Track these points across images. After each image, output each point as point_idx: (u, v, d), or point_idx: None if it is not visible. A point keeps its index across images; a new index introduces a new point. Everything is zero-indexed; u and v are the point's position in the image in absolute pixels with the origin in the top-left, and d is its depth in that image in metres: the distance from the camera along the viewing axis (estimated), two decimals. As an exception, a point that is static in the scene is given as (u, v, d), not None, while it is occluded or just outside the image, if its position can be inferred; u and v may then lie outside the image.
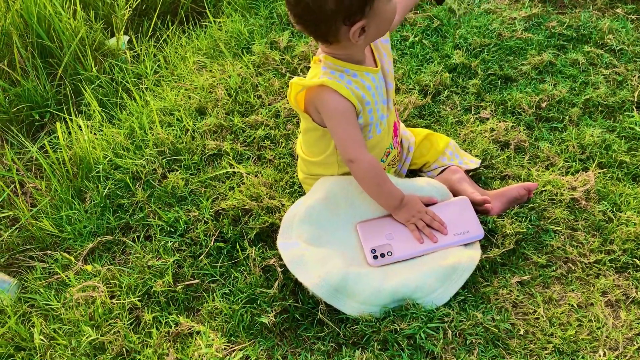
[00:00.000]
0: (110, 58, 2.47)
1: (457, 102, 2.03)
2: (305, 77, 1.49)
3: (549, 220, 1.62)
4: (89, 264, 1.65)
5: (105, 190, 1.83)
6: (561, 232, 1.59)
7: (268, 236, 1.65)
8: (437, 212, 1.54)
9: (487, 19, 2.36)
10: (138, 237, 1.71)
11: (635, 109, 1.97)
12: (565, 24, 2.31)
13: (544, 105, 1.98)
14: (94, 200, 1.82)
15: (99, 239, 1.71)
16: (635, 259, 1.52)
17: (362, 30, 1.35)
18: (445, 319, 1.38)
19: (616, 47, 2.20)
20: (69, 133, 2.07)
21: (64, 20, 2.40)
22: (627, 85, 2.05)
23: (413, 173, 1.80)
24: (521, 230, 1.57)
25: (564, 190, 1.68)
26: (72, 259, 1.67)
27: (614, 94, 2.02)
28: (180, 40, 2.57)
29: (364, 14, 1.32)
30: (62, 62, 2.34)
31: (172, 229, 1.70)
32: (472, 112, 2.00)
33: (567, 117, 1.95)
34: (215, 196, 1.77)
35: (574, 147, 1.83)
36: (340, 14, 1.30)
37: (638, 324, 1.39)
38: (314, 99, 1.45)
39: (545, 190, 1.69)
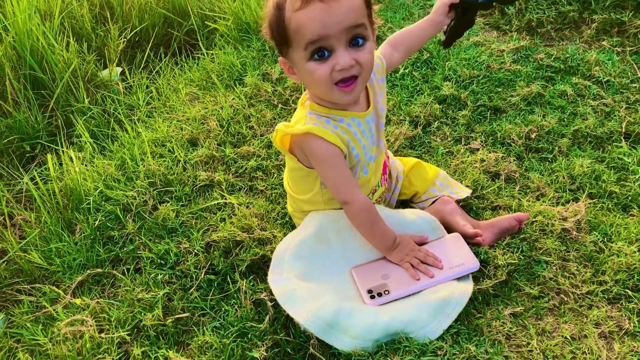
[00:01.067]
0: (103, 89, 2.48)
1: (448, 133, 2.05)
2: (285, 122, 1.49)
3: (541, 251, 1.62)
4: (77, 298, 1.63)
5: (96, 222, 1.82)
6: (553, 262, 1.59)
7: (259, 268, 1.64)
8: (430, 250, 1.54)
9: (475, 51, 2.39)
10: (128, 269, 1.69)
11: (623, 139, 1.99)
12: (553, 56, 2.34)
13: (533, 136, 2.00)
14: (84, 232, 1.81)
15: (88, 271, 1.69)
16: (627, 290, 1.52)
17: (292, 70, 1.41)
18: (439, 352, 1.36)
19: (603, 78, 2.23)
20: (60, 164, 2.06)
21: (57, 52, 2.41)
22: (615, 116, 2.07)
23: (404, 204, 1.80)
24: (513, 261, 1.57)
25: (555, 220, 1.68)
26: (61, 292, 1.65)
27: (602, 124, 2.04)
28: (173, 72, 2.59)
29: (281, 53, 1.40)
30: (54, 94, 2.35)
31: (162, 261, 1.68)
32: (463, 143, 2.01)
33: (556, 148, 1.97)
34: (206, 228, 1.76)
35: (564, 178, 1.85)
36: (271, 40, 1.39)
37: (632, 356, 1.38)
38: (300, 144, 1.45)
39: (536, 221, 1.69)
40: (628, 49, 2.39)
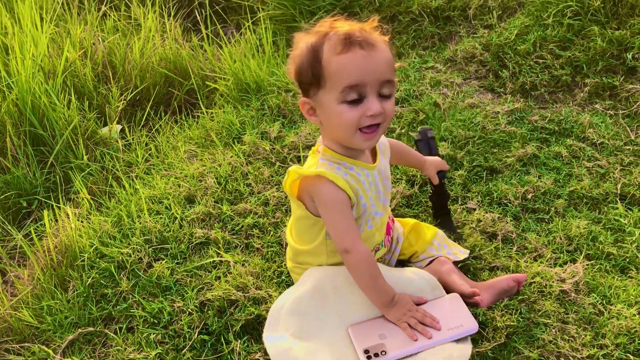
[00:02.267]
0: (102, 146, 2.50)
1: (444, 193, 2.06)
2: (297, 165, 1.52)
3: (539, 312, 1.60)
4: (67, 357, 1.59)
5: (89, 279, 1.79)
6: (552, 325, 1.57)
7: (254, 329, 1.61)
8: (428, 310, 1.52)
9: (471, 112, 2.44)
10: (120, 328, 1.66)
11: (619, 201, 2.00)
12: (547, 118, 2.38)
13: (529, 196, 2.01)
14: (77, 290, 1.79)
15: (79, 330, 1.66)
16: (628, 354, 1.49)
17: (313, 112, 1.45)
18: (437, 418, 1.32)
19: (597, 140, 2.26)
20: (56, 221, 2.06)
21: (58, 110, 2.45)
22: (610, 177, 2.09)
23: (401, 263, 1.79)
24: (512, 323, 1.55)
25: (553, 282, 1.67)
26: (51, 352, 1.61)
27: (597, 186, 2.05)
28: (173, 130, 2.62)
29: (308, 94, 1.43)
30: (53, 150, 2.37)
31: (155, 320, 1.66)
32: (459, 203, 2.02)
33: (553, 209, 1.97)
34: (200, 286, 1.74)
35: (561, 239, 1.84)
36: (297, 80, 1.44)
37: (636, 423, 1.35)
38: (309, 188, 1.47)
39: (534, 282, 1.68)
40: (620, 112, 2.43)
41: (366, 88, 1.36)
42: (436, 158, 1.85)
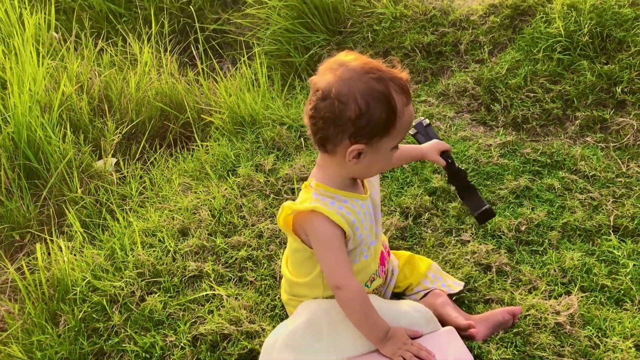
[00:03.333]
0: (97, 179, 2.50)
1: (438, 225, 2.06)
2: (291, 199, 1.52)
3: (535, 345, 1.59)
4: (56, 394, 1.56)
5: (81, 313, 1.78)
6: (548, 358, 1.56)
7: (247, 363, 1.59)
8: (424, 344, 1.50)
9: (463, 145, 2.46)
10: (111, 363, 1.64)
11: (612, 232, 2.00)
12: (539, 151, 2.40)
13: (523, 228, 2.02)
14: (68, 324, 1.77)
15: (69, 366, 1.64)
16: (625, 388, 1.48)
17: (358, 156, 1.41)
18: None
19: (589, 173, 2.28)
20: (49, 254, 2.04)
21: (53, 143, 2.46)
22: (603, 209, 2.10)
23: (396, 296, 1.78)
24: (507, 357, 1.54)
25: (548, 314, 1.66)
26: (40, 387, 1.58)
27: (590, 218, 2.06)
28: (167, 163, 2.63)
29: (369, 141, 1.39)
30: (47, 183, 2.37)
31: (147, 355, 1.64)
32: (453, 235, 2.02)
33: (546, 241, 1.97)
34: (193, 320, 1.72)
35: (555, 271, 1.84)
36: (352, 127, 1.37)
37: None
38: (303, 223, 1.47)
39: (529, 315, 1.67)
40: (611, 144, 2.46)
41: None
42: (433, 142, 1.75)
